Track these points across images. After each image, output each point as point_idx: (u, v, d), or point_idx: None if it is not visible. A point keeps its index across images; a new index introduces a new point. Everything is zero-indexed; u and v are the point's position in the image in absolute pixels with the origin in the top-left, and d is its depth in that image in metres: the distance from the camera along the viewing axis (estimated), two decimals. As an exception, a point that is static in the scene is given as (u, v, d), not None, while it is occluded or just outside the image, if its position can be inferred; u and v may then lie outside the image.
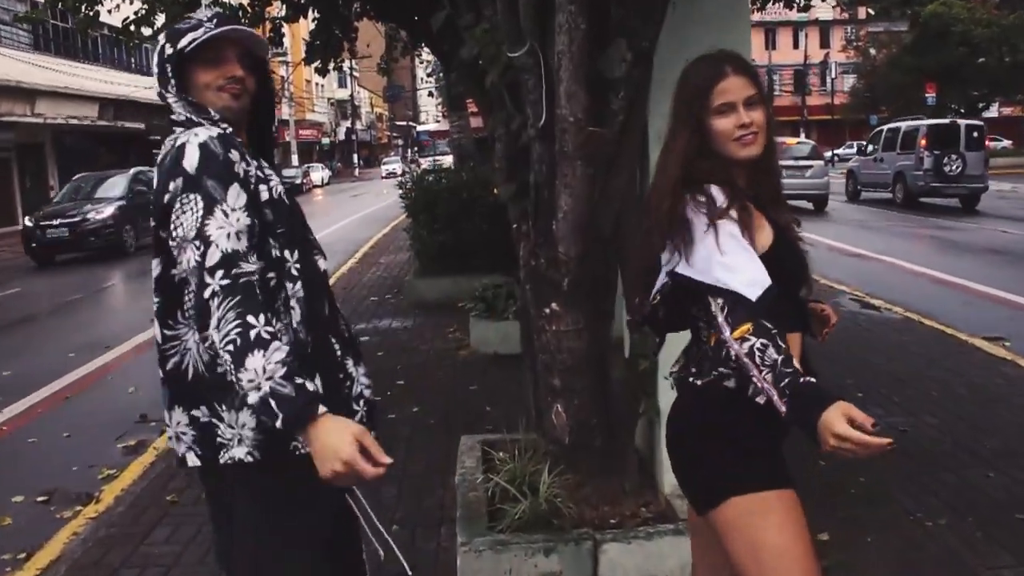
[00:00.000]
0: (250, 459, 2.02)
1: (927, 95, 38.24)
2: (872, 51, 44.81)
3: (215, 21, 2.07)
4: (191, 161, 1.91)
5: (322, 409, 1.81)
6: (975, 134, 23.04)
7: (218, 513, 2.27)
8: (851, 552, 3.79)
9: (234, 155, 1.96)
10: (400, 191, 11.59)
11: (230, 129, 2.04)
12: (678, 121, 2.21)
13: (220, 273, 1.83)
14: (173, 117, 2.09)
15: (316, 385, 1.95)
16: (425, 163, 41.54)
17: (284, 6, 8.16)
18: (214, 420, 2.03)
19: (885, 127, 26.03)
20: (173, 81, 2.06)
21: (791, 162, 21.28)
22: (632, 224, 3.74)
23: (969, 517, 4.10)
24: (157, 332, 2.08)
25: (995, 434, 5.19)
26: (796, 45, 63.29)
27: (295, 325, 2.04)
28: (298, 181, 43.29)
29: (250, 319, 1.80)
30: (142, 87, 33.50)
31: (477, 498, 3.80)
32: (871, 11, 61.93)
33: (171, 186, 1.93)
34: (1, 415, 6.84)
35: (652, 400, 3.89)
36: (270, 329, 1.82)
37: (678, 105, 2.22)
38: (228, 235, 1.87)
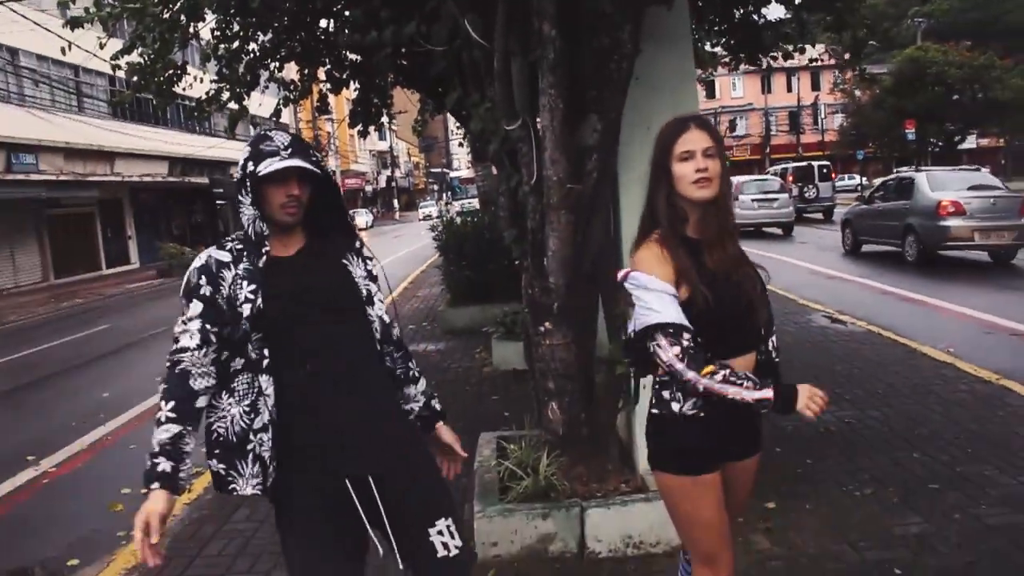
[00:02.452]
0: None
1: (907, 131, 38.48)
2: (857, 93, 45.16)
3: (289, 151, 2.32)
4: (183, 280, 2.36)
5: (155, 485, 2.19)
6: (824, 170, 30.40)
7: None
8: (791, 517, 4.30)
9: (203, 280, 2.30)
10: (433, 233, 12.20)
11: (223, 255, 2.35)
12: (654, 166, 2.50)
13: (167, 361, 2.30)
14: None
15: (168, 466, 2.22)
16: (457, 206, 42.12)
17: (328, 82, 8.62)
18: None
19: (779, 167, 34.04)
20: (249, 193, 2.33)
21: (762, 195, 24.11)
22: (608, 260, 4.33)
23: (891, 488, 4.60)
24: None
25: (925, 424, 5.66)
26: (789, 88, 63.62)
27: (266, 401, 2.30)
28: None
29: (161, 403, 2.26)
30: (205, 147, 34.55)
31: (491, 478, 4.36)
32: (859, 68, 62.44)
33: None
34: (106, 427, 7.54)
35: (628, 397, 4.42)
36: (170, 414, 2.23)
37: (654, 153, 2.52)
38: (181, 334, 2.29)
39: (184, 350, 2.26)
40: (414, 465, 2.47)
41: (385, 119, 9.30)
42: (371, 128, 9.68)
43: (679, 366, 2.27)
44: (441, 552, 2.42)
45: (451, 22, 4.38)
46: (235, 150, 8.17)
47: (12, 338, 15.32)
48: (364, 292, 2.45)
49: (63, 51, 6.81)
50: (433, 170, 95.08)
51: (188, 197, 39.67)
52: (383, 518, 2.37)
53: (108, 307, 19.74)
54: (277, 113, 8.48)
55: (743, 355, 2.44)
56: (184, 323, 2.29)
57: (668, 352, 2.29)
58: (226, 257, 2.34)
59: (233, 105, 7.61)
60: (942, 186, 14.81)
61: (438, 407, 2.68)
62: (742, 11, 7.67)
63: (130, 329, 14.89)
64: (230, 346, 2.30)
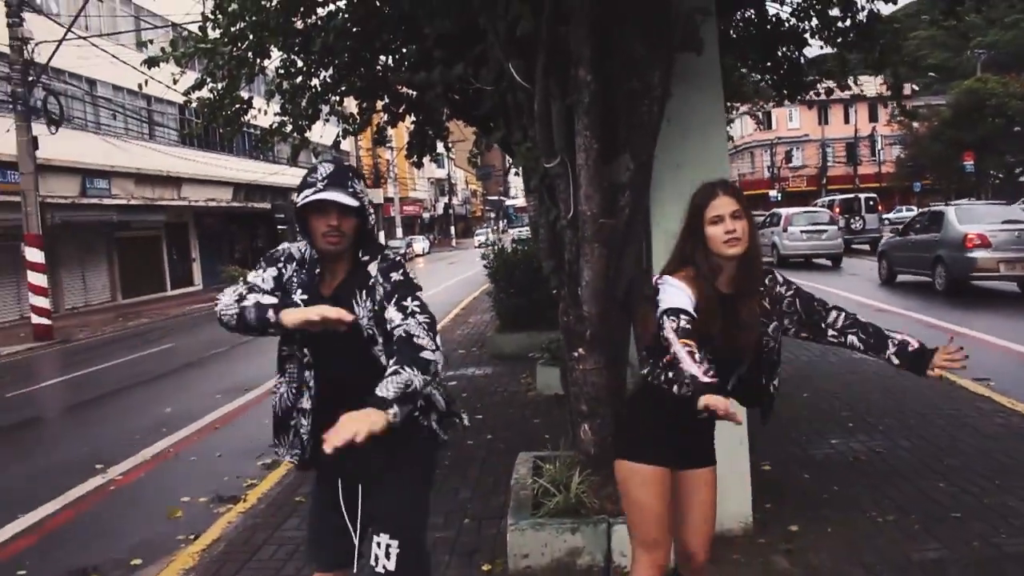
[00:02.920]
0: None
1: (965, 163, 38.01)
2: (915, 124, 44.77)
3: (325, 182, 2.55)
4: None
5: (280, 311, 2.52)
6: (871, 202, 30.99)
7: None
8: (812, 540, 4.45)
9: (282, 258, 2.73)
10: (484, 261, 12.51)
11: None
12: (687, 228, 2.81)
13: None
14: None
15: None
16: (513, 233, 42.40)
17: (385, 115, 8.89)
18: None
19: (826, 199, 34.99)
20: (297, 225, 2.67)
21: (811, 227, 24.29)
22: (639, 290, 4.56)
23: (913, 515, 4.72)
24: None
25: (956, 455, 5.75)
26: (847, 120, 63.13)
27: (308, 391, 2.66)
28: (403, 251, 44.89)
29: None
30: (268, 173, 35.50)
31: (526, 495, 4.60)
32: (915, 87, 61.61)
33: None
34: (167, 440, 7.94)
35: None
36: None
37: (688, 217, 2.83)
38: (254, 277, 2.70)
39: (255, 287, 2.65)
40: (391, 481, 2.70)
41: (441, 148, 9.56)
42: (427, 158, 9.86)
43: (671, 336, 2.53)
44: (373, 562, 2.64)
45: (497, 66, 4.67)
46: (296, 177, 8.56)
47: (82, 355, 15.99)
48: (366, 333, 2.59)
49: (140, 87, 7.27)
50: (490, 198, 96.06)
51: (250, 222, 40.73)
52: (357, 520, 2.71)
53: (172, 327, 20.44)
54: (337, 144, 8.85)
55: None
56: (259, 272, 2.71)
57: (668, 329, 2.55)
58: (296, 254, 2.73)
59: (296, 136, 8.00)
60: (970, 219, 15.47)
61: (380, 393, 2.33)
62: (783, 50, 7.88)
63: (192, 349, 15.45)
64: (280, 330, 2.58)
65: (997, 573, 3.96)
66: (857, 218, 29.89)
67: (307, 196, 2.55)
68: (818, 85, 8.91)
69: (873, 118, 62.52)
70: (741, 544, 4.40)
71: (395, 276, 2.62)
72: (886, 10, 8.10)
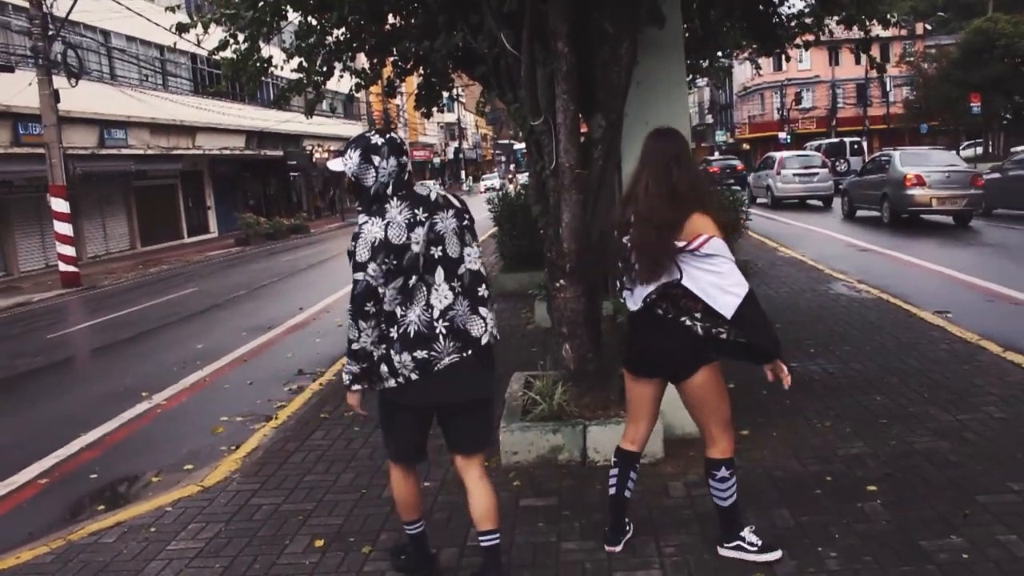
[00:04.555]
0: None
1: (972, 104, 38.21)
2: (924, 65, 44.80)
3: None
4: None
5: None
6: (855, 146, 35.26)
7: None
8: (759, 441, 5.29)
9: None
10: (489, 206, 13.25)
11: None
12: (671, 165, 3.46)
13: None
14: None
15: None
16: (523, 178, 42.68)
17: (394, 69, 9.48)
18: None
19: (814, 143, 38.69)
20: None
21: (803, 170, 26.12)
22: (608, 232, 5.33)
23: (847, 422, 5.54)
24: (484, 271, 3.50)
25: (898, 374, 6.55)
26: (858, 61, 62.82)
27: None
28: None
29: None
30: (280, 121, 36.08)
31: (516, 405, 5.44)
32: (928, 26, 61.10)
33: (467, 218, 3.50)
34: (203, 371, 8.85)
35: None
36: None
37: (670, 156, 3.46)
38: None
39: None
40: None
41: (453, 89, 10.10)
42: (435, 110, 10.38)
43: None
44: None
45: (491, 34, 5.40)
46: (307, 124, 9.38)
47: (109, 300, 16.93)
48: None
49: (172, 47, 7.97)
50: (501, 142, 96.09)
51: (263, 169, 41.43)
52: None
53: (192, 272, 21.37)
54: (350, 96, 9.54)
55: None
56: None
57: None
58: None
59: (312, 91, 8.67)
60: (912, 163, 18.48)
61: None
62: (762, 7, 8.49)
63: (215, 292, 16.36)
64: None
65: (904, 463, 4.78)
66: (842, 160, 33.05)
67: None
68: (798, 39, 9.57)
69: (885, 58, 62.21)
70: (697, 445, 5.19)
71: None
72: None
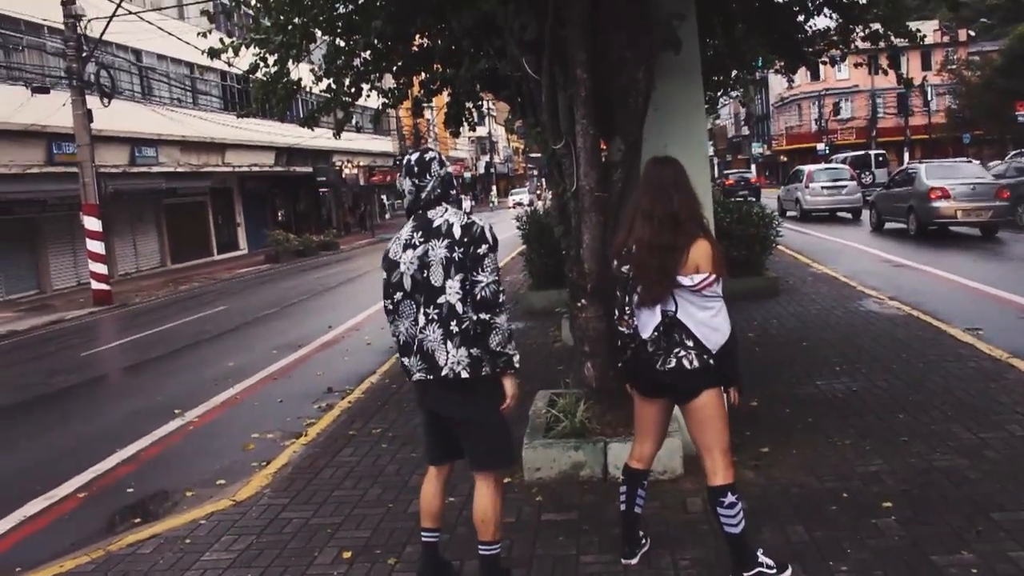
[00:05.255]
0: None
1: (1018, 113, 37.94)
2: (967, 73, 44.52)
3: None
4: (491, 239, 3.62)
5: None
6: (880, 158, 37.77)
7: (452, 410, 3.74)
8: (778, 458, 5.47)
9: None
10: (517, 224, 13.52)
11: None
12: (672, 190, 3.71)
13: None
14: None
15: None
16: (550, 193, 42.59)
17: (422, 89, 9.72)
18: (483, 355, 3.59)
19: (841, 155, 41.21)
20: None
21: (831, 183, 27.04)
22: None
23: (867, 439, 5.70)
24: (460, 309, 3.53)
25: (922, 392, 6.68)
26: (898, 68, 62.39)
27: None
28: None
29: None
30: (309, 137, 36.53)
31: (540, 422, 5.68)
32: (971, 32, 60.54)
33: (484, 247, 3.58)
34: (234, 389, 9.19)
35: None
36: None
37: (676, 182, 3.71)
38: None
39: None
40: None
41: (484, 104, 10.33)
42: (465, 127, 10.55)
43: None
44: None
45: (514, 59, 5.66)
46: (336, 139, 9.78)
47: (141, 318, 17.42)
48: None
49: (199, 68, 8.33)
50: (532, 155, 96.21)
51: (293, 185, 42.09)
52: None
53: (223, 290, 21.86)
54: (378, 115, 9.84)
55: None
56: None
57: None
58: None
59: (339, 112, 8.98)
60: (937, 176, 19.13)
61: None
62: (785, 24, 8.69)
63: (245, 310, 16.77)
64: None
65: (922, 480, 4.95)
66: (867, 173, 34.17)
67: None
68: (823, 55, 9.76)
69: (926, 66, 61.75)
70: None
71: None
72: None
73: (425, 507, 3.95)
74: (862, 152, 38.94)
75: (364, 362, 9.96)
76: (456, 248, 3.56)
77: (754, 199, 21.24)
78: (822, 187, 27.02)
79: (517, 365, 3.66)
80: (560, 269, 12.17)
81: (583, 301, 5.52)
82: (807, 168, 28.91)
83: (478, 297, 3.54)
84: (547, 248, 12.34)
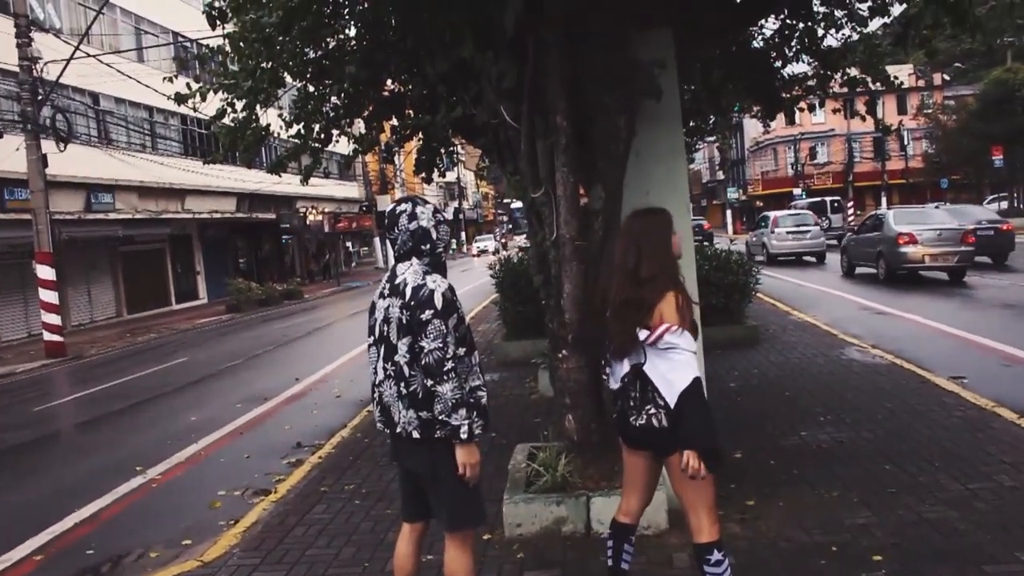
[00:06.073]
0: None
1: (994, 157, 38.89)
2: (942, 117, 45.67)
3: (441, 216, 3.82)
4: (439, 303, 3.54)
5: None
6: (835, 204, 42.45)
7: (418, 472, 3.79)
8: (764, 510, 5.53)
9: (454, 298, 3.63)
10: (490, 271, 13.61)
11: None
12: (666, 248, 3.80)
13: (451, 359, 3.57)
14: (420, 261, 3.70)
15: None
16: (520, 240, 42.67)
17: (393, 135, 9.82)
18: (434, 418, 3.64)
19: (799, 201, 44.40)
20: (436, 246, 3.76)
21: (796, 228, 28.96)
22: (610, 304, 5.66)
23: (855, 491, 5.79)
24: (407, 372, 3.58)
25: (908, 442, 6.79)
26: (875, 113, 63.67)
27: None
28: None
29: (462, 388, 3.56)
30: (272, 183, 36.63)
31: (520, 476, 5.71)
32: (946, 76, 61.97)
33: (428, 312, 3.52)
34: (198, 444, 9.11)
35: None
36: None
37: (664, 239, 3.80)
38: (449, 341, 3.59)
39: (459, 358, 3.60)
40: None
41: (453, 153, 10.44)
42: (436, 173, 10.65)
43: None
44: None
45: (491, 106, 5.79)
46: (300, 185, 9.81)
47: (97, 370, 17.24)
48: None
49: (160, 112, 8.38)
50: (505, 201, 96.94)
51: (255, 232, 42.03)
52: None
53: (182, 341, 21.69)
54: (349, 162, 9.93)
55: None
56: (451, 335, 3.56)
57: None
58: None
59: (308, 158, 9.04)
60: (904, 221, 20.12)
61: None
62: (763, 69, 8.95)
63: (206, 362, 16.66)
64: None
65: (912, 532, 5.03)
66: (823, 218, 35.90)
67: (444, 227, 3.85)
68: (801, 102, 10.04)
69: (902, 110, 62.94)
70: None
71: None
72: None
73: (399, 566, 3.97)
74: (818, 199, 43.17)
75: (334, 415, 9.93)
76: (404, 311, 3.60)
77: (707, 244, 21.87)
78: (787, 232, 28.88)
79: (464, 436, 3.53)
80: (536, 318, 12.35)
81: (564, 351, 5.60)
82: (773, 214, 31.03)
83: (422, 363, 3.54)
84: (522, 296, 12.42)
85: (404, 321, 3.58)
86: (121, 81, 23.79)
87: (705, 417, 3.60)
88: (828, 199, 42.41)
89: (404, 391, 3.61)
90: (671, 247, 3.85)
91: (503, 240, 66.04)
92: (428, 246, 3.75)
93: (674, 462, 3.71)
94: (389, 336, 3.65)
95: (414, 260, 3.72)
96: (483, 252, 58.14)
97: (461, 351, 3.61)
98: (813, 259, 29.30)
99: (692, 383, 3.59)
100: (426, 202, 3.90)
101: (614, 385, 3.86)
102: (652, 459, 3.93)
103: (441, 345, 3.51)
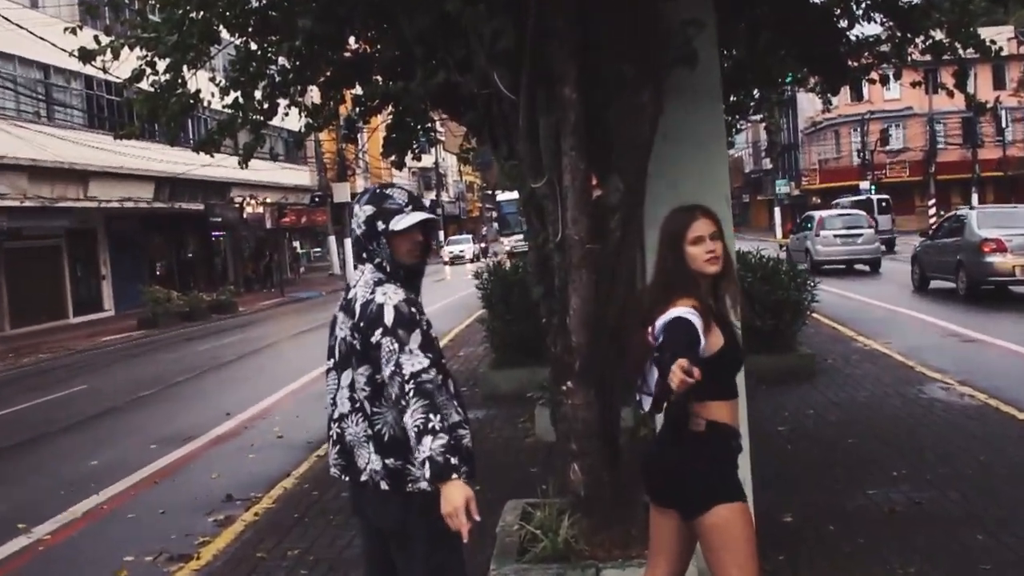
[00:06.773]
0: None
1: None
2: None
3: (410, 207, 3.60)
4: (389, 318, 3.45)
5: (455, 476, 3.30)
6: (883, 203, 44.04)
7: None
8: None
9: (416, 311, 3.52)
10: (476, 281, 13.62)
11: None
12: (668, 248, 3.90)
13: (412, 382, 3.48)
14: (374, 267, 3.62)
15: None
16: (508, 243, 42.39)
17: (356, 107, 9.75)
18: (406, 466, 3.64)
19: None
20: (385, 247, 3.59)
21: (846, 231, 29.56)
22: (632, 321, 5.67)
23: (938, 566, 5.82)
24: (368, 408, 3.56)
25: (1006, 505, 6.84)
26: (966, 88, 63.69)
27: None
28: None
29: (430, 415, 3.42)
30: (199, 165, 36.56)
31: (511, 542, 5.71)
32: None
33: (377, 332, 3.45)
34: (100, 496, 9.10)
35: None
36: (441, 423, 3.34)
37: (668, 238, 3.92)
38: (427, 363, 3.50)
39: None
40: None
41: (430, 132, 10.43)
42: (408, 156, 10.61)
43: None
44: None
45: (481, 73, 5.80)
46: (237, 168, 9.73)
47: (-29, 399, 17.19)
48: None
49: (58, 72, 8.35)
50: (495, 192, 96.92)
51: (177, 227, 41.97)
52: None
53: (81, 364, 21.69)
54: (299, 139, 9.94)
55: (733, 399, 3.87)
56: (418, 351, 3.45)
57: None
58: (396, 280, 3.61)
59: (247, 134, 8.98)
60: (990, 224, 20.23)
61: None
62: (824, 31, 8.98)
63: (112, 391, 16.65)
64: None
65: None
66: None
67: (406, 218, 3.60)
68: (871, 72, 10.10)
69: (999, 85, 62.15)
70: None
71: None
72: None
73: None
74: (863, 197, 45.34)
75: (275, 461, 9.92)
76: (356, 333, 3.57)
77: None
78: (835, 235, 29.41)
79: (456, 477, 3.32)
80: (534, 340, 12.35)
81: (569, 383, 5.60)
82: (818, 214, 31.54)
83: (385, 395, 3.53)
84: (515, 313, 12.40)
85: (358, 347, 3.56)
86: (8, 31, 23.75)
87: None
88: (875, 197, 44.40)
89: (371, 433, 3.58)
90: (683, 257, 3.86)
91: (483, 244, 65.84)
92: (373, 246, 3.65)
93: (703, 525, 3.73)
94: (352, 360, 3.63)
95: (367, 266, 3.68)
96: (458, 258, 57.88)
97: (433, 372, 3.45)
98: (866, 267, 29.86)
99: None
100: (393, 189, 3.77)
101: (647, 405, 3.79)
102: (681, 519, 3.92)
103: (395, 369, 3.40)
